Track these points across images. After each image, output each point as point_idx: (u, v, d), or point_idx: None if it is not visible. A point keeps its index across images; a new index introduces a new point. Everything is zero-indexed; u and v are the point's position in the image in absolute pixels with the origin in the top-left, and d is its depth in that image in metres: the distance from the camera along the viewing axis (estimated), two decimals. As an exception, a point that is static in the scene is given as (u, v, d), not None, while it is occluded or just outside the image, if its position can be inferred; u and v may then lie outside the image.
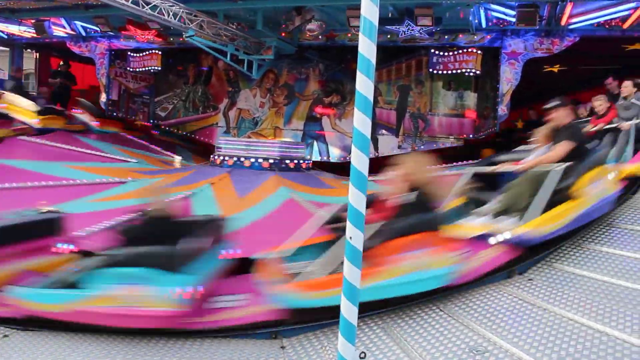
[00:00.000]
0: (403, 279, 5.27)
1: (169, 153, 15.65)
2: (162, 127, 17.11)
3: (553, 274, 5.56)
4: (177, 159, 15.34)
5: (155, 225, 5.97)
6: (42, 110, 13.87)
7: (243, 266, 6.73)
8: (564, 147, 6.09)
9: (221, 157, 12.99)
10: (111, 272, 5.40)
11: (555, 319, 4.53)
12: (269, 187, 11.02)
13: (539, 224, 5.77)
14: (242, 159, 12.70)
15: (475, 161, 10.34)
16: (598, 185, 6.14)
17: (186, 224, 6.29)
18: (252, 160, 12.64)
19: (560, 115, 6.32)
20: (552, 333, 4.28)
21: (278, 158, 12.60)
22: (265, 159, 12.58)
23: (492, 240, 5.93)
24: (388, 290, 5.27)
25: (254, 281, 5.95)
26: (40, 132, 13.90)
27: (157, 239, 5.62)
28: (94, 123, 15.06)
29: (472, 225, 6.26)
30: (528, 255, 5.86)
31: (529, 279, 5.53)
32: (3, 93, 14.40)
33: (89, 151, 13.37)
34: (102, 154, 13.31)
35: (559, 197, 5.86)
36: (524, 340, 4.23)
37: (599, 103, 9.20)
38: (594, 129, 8.73)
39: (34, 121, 13.94)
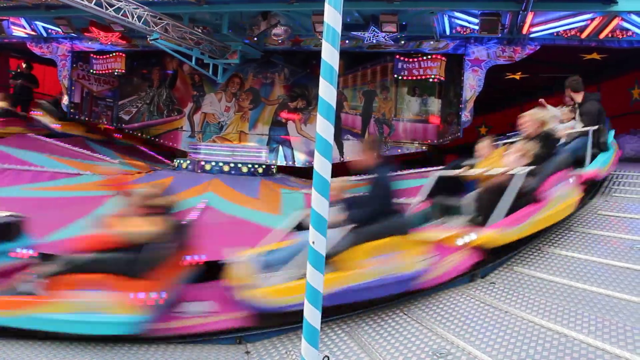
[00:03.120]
0: None
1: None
2: (126, 130, 16.88)
3: (514, 277, 5.67)
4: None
5: None
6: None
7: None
8: None
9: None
10: None
11: (516, 321, 4.63)
12: (196, 191, 10.84)
13: (278, 292, 5.13)
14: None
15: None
16: (386, 259, 5.30)
17: None
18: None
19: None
20: (514, 335, 4.37)
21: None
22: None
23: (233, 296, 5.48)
24: None
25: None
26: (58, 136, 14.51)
27: None
28: (55, 126, 14.85)
29: None
30: (257, 324, 5.39)
31: (491, 282, 5.63)
32: None
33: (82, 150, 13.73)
34: (90, 153, 13.53)
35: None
36: (485, 343, 4.31)
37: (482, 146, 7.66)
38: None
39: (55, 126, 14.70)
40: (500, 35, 11.40)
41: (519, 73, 15.00)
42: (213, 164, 12.83)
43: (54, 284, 5.27)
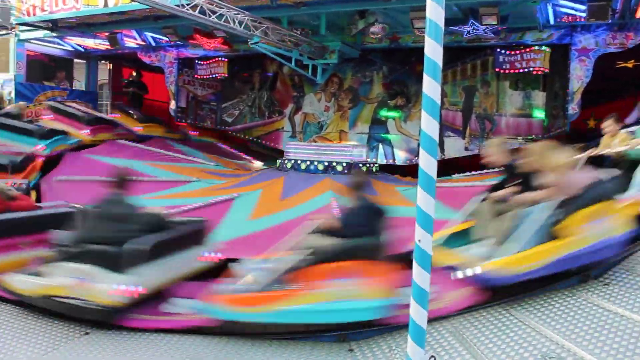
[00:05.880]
0: None
1: (249, 157, 16.14)
2: (231, 132, 17.49)
3: (630, 278, 5.34)
4: (258, 163, 15.64)
5: None
6: (144, 119, 15.04)
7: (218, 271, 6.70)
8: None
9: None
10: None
11: (634, 326, 4.36)
12: (315, 190, 11.03)
13: (510, 263, 5.24)
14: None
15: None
16: (600, 224, 5.40)
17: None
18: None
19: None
20: (631, 341, 4.12)
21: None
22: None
23: (455, 275, 5.49)
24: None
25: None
26: (141, 138, 15.16)
27: None
28: (137, 128, 15.62)
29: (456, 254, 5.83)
30: (489, 299, 5.41)
31: (605, 284, 5.33)
32: None
33: (171, 153, 14.17)
34: (183, 156, 13.96)
35: (543, 234, 5.33)
36: (600, 348, 4.10)
37: (608, 124, 7.66)
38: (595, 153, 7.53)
39: (137, 128, 15.34)
40: (610, 21, 10.78)
41: (632, 61, 14.10)
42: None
43: (304, 275, 5.39)
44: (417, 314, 3.12)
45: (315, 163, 12.86)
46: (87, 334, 5.62)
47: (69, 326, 5.74)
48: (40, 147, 11.89)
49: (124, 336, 5.55)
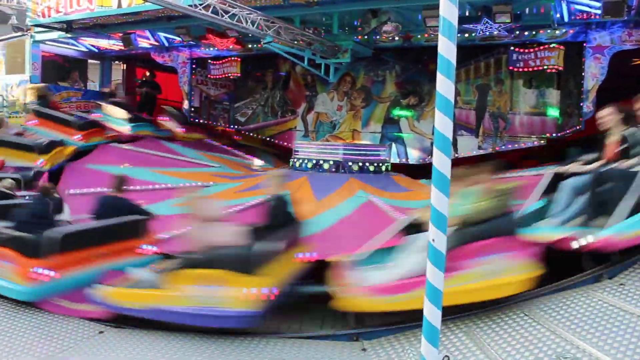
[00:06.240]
0: None
1: (249, 157, 16.05)
2: (243, 132, 17.47)
3: (647, 278, 5.29)
4: (258, 162, 15.64)
5: None
6: (132, 118, 14.86)
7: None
8: None
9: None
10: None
11: (650, 325, 4.32)
12: (347, 190, 11.02)
13: (119, 295, 5.82)
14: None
15: None
16: (211, 290, 5.39)
17: None
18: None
19: None
20: (648, 341, 4.08)
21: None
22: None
23: None
24: None
25: None
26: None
27: None
28: (179, 129, 15.76)
29: None
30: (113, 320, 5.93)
31: (620, 284, 5.28)
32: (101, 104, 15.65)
33: (172, 156, 14.08)
34: (186, 159, 13.96)
35: (152, 279, 5.83)
36: (616, 349, 4.06)
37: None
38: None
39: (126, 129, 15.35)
40: (625, 18, 10.66)
41: (649, 58, 13.95)
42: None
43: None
44: (431, 314, 3.10)
45: (306, 161, 12.84)
46: (101, 332, 5.68)
47: (83, 325, 5.81)
48: (126, 128, 14.18)
49: (138, 335, 5.60)
